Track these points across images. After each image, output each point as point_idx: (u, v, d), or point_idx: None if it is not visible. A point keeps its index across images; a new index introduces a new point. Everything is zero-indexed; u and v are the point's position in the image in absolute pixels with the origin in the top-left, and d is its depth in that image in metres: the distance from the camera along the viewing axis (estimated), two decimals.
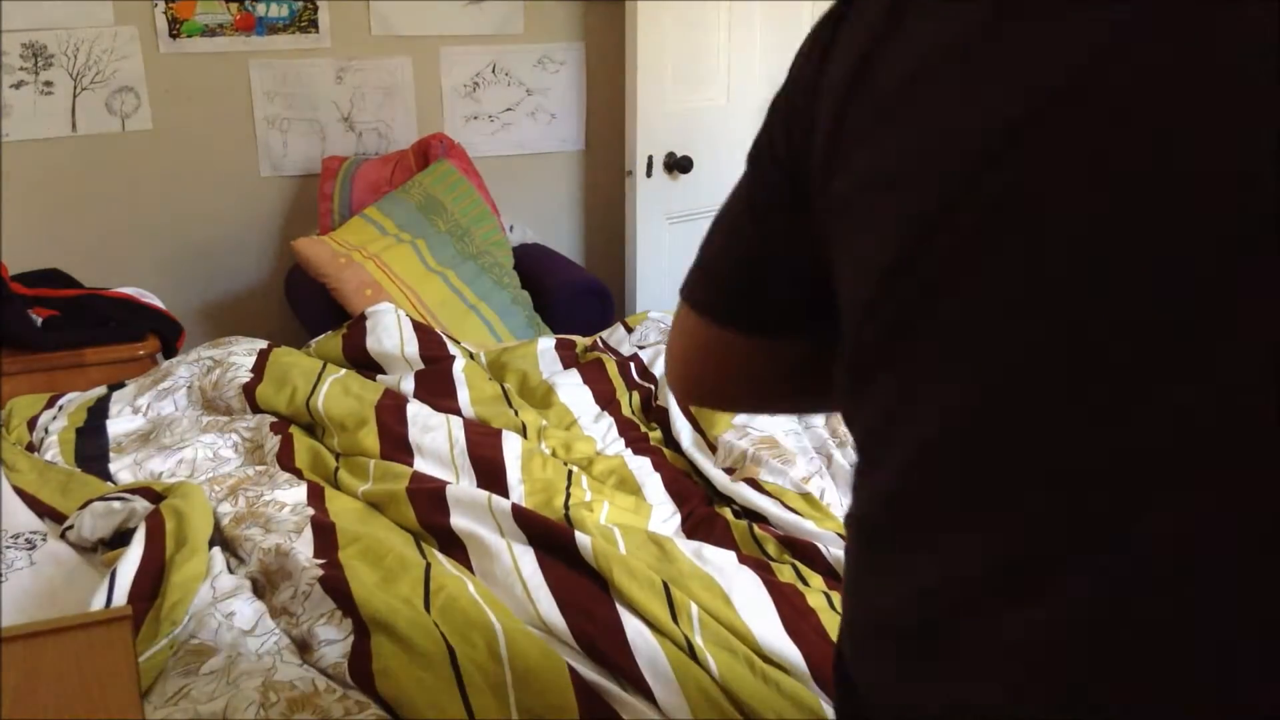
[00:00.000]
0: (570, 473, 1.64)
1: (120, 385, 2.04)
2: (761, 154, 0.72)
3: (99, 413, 1.90)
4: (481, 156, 3.46)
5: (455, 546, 1.43)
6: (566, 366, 2.11)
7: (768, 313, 0.73)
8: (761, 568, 1.38)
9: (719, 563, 1.37)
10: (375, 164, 3.22)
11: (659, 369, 2.09)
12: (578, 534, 1.37)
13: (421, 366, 2.00)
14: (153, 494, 1.50)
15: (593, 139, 3.70)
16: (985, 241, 0.51)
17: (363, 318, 2.14)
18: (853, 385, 0.62)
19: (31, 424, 1.88)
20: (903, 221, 0.55)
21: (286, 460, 1.69)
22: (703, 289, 0.77)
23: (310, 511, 1.49)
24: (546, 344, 2.21)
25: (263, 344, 2.09)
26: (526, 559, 1.36)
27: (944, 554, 0.55)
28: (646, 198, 3.27)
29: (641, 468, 1.72)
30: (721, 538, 1.51)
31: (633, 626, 1.24)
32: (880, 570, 0.61)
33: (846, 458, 1.74)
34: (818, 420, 1.88)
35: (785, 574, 1.39)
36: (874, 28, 0.60)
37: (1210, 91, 0.44)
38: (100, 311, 2.69)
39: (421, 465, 1.66)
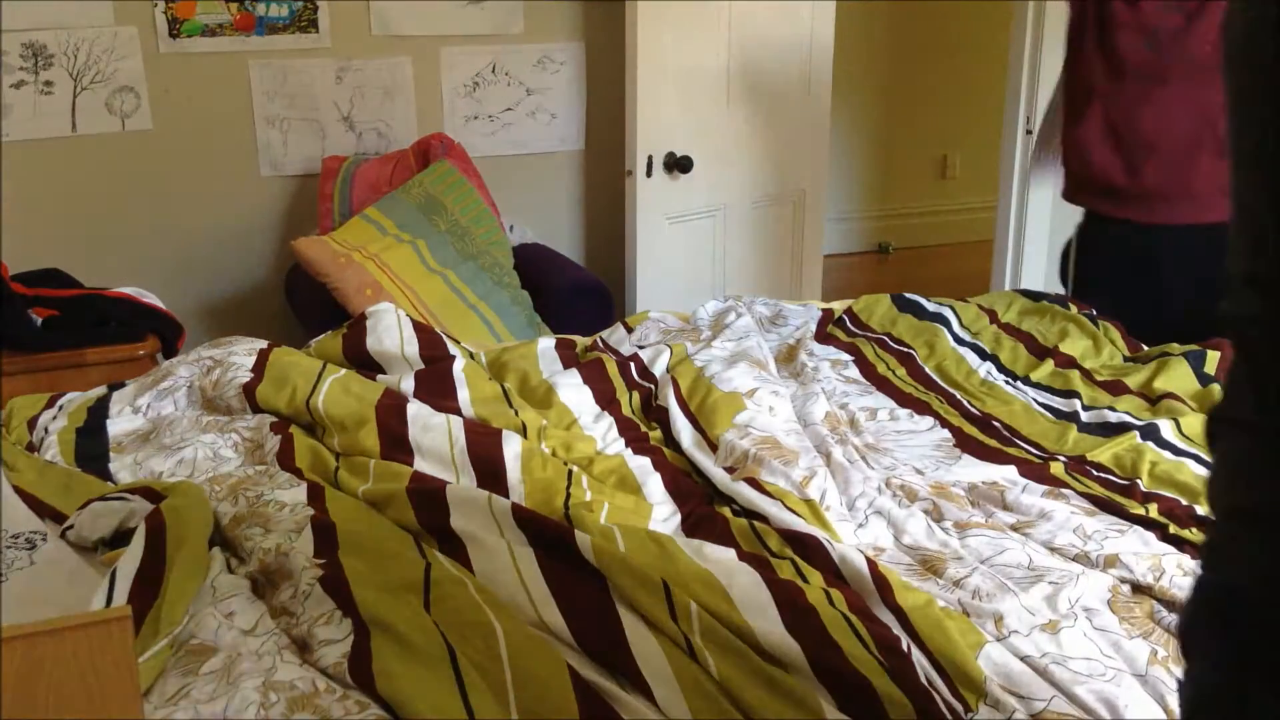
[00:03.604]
0: (570, 472, 1.64)
1: (120, 385, 2.04)
2: None
3: (99, 413, 1.90)
4: (481, 156, 3.46)
5: (455, 546, 1.43)
6: (566, 366, 2.10)
7: None
8: (762, 564, 1.38)
9: (719, 560, 1.37)
10: (375, 164, 3.23)
11: (659, 368, 2.09)
12: (577, 533, 1.37)
13: (421, 366, 2.00)
14: (153, 494, 1.50)
15: (593, 139, 3.70)
16: None
17: (363, 318, 2.14)
18: None
19: (31, 424, 1.88)
20: None
21: (286, 460, 1.69)
22: None
23: (310, 511, 1.49)
24: (546, 344, 2.21)
25: (263, 344, 2.09)
26: (526, 559, 1.36)
27: None
28: (646, 198, 3.27)
29: (641, 467, 1.72)
30: (722, 536, 1.51)
31: (632, 626, 1.24)
32: None
33: (846, 455, 1.74)
34: (817, 418, 1.88)
35: (785, 570, 1.39)
36: None
37: None
38: (100, 311, 2.69)
39: (421, 465, 1.66)
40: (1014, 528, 1.55)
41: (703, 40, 3.29)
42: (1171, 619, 1.33)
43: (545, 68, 3.57)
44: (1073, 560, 1.46)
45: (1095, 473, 1.72)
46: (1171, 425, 1.83)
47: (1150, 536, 1.50)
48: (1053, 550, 1.49)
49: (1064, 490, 1.65)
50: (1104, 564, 1.44)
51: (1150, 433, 1.81)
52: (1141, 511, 1.57)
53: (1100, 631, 1.31)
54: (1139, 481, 1.67)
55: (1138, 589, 1.40)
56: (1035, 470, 1.72)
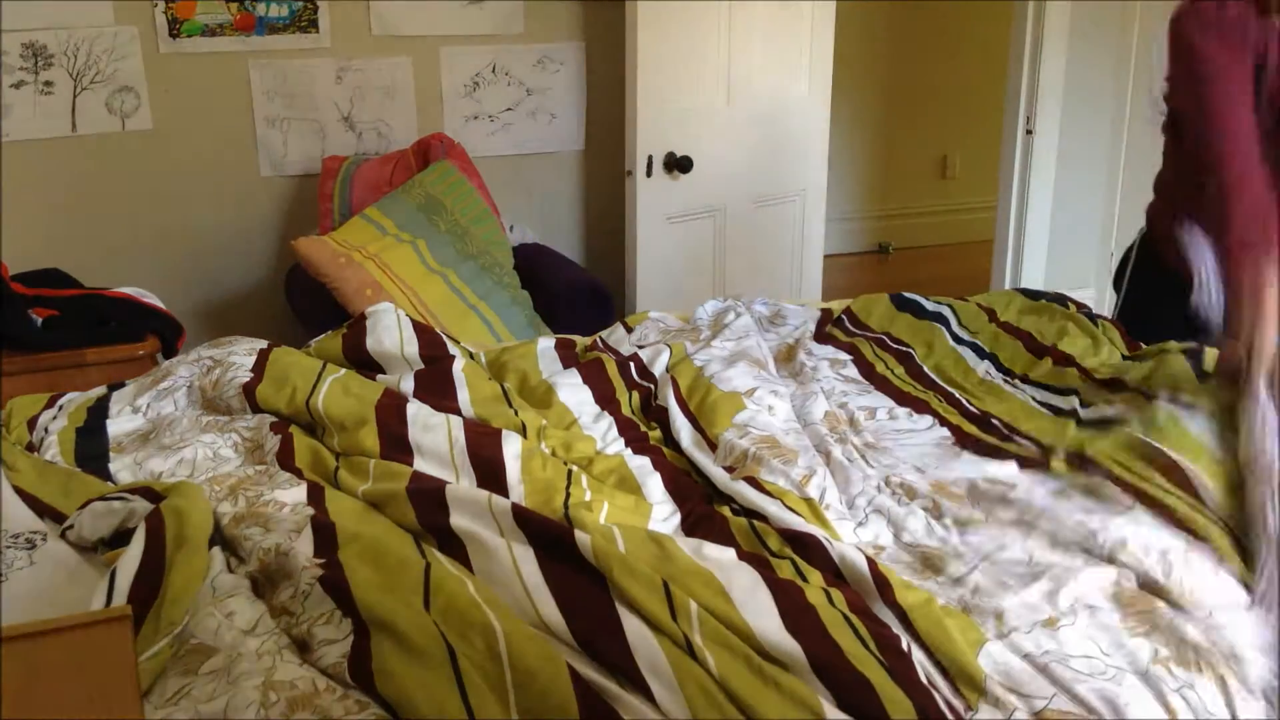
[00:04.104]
0: (570, 472, 1.64)
1: (120, 385, 2.04)
2: None
3: (99, 413, 1.90)
4: (481, 156, 3.46)
5: (455, 546, 1.43)
6: (566, 366, 2.11)
7: None
8: (761, 564, 1.38)
9: (718, 559, 1.37)
10: (375, 164, 3.23)
11: (659, 368, 2.09)
12: (577, 533, 1.37)
13: (421, 366, 2.00)
14: (153, 494, 1.50)
15: (593, 139, 3.70)
16: None
17: (363, 317, 2.14)
18: None
19: (31, 424, 1.88)
20: None
21: (286, 460, 1.69)
22: None
23: (310, 511, 1.49)
24: (546, 344, 2.21)
25: (263, 344, 2.09)
26: (526, 558, 1.36)
27: None
28: (646, 198, 3.28)
29: (641, 467, 1.72)
30: (721, 536, 1.51)
31: (632, 625, 1.24)
32: None
33: (845, 454, 1.75)
34: (816, 417, 1.88)
35: (785, 569, 1.39)
36: None
37: None
38: (100, 311, 2.70)
39: (421, 465, 1.66)
40: (1014, 523, 1.55)
41: (703, 40, 3.29)
42: (1173, 616, 1.33)
43: (545, 68, 3.57)
44: (1074, 556, 1.46)
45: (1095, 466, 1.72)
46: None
47: (1152, 532, 1.50)
48: (1054, 546, 1.49)
49: (1065, 487, 1.65)
50: (1105, 560, 1.44)
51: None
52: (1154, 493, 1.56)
53: (1101, 629, 1.31)
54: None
55: (1140, 586, 1.40)
56: (1035, 465, 1.72)
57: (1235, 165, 1.92)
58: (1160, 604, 1.37)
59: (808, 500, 1.59)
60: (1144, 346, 2.25)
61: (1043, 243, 4.11)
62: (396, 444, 1.70)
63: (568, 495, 1.56)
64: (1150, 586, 1.40)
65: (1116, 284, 2.43)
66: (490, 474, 1.62)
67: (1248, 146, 1.93)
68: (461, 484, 1.60)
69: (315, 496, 1.56)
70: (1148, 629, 1.32)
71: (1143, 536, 1.47)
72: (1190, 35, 1.95)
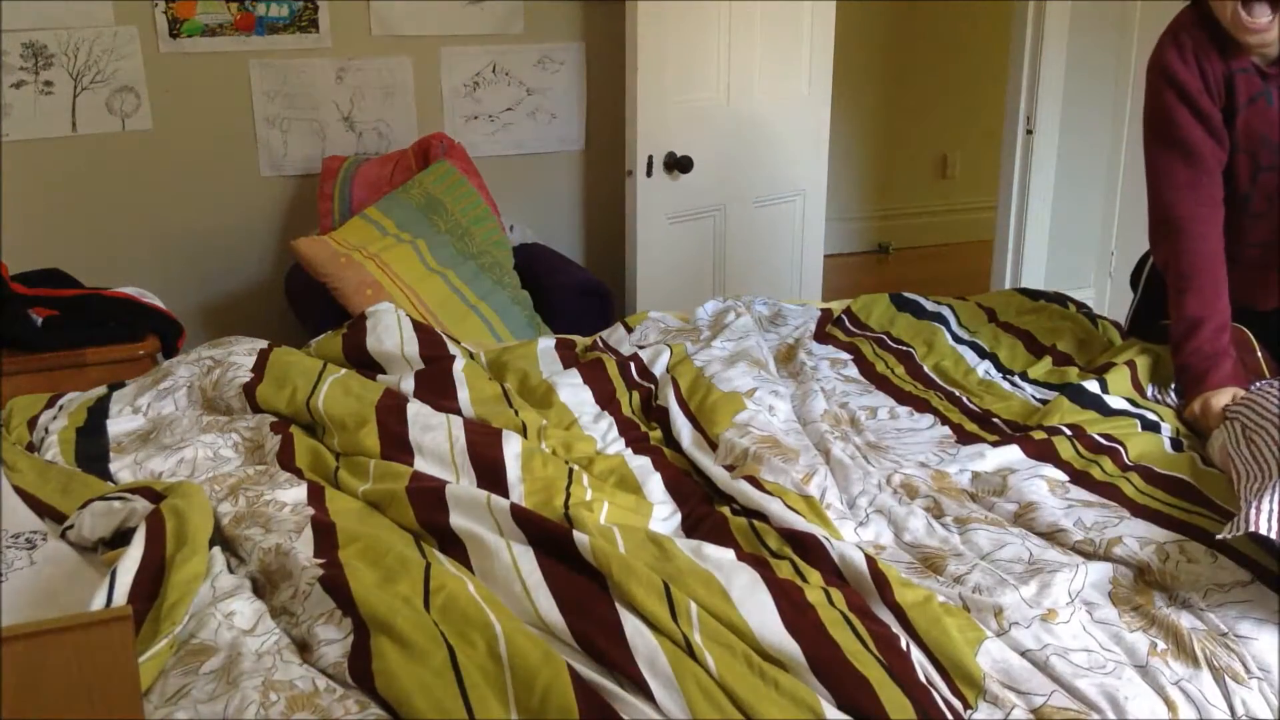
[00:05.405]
0: (571, 471, 1.64)
1: (120, 385, 2.04)
2: None
3: (99, 413, 1.90)
4: (481, 156, 3.46)
5: (455, 546, 1.43)
6: (566, 366, 2.11)
7: None
8: (760, 564, 1.38)
9: (718, 560, 1.37)
10: (375, 164, 3.23)
11: (659, 368, 2.09)
12: (576, 533, 1.37)
13: (421, 366, 2.00)
14: (153, 494, 1.50)
15: (593, 139, 3.70)
16: None
17: (363, 317, 2.14)
18: None
19: (31, 424, 1.88)
20: None
21: (286, 460, 1.69)
22: None
23: (310, 511, 1.49)
24: (546, 344, 2.21)
25: (263, 344, 2.09)
26: (525, 558, 1.37)
27: None
28: (646, 198, 3.27)
29: (642, 467, 1.72)
30: (722, 536, 1.51)
31: (632, 625, 1.24)
32: None
33: (846, 453, 1.75)
34: (816, 414, 1.88)
35: (784, 569, 1.39)
36: None
37: None
38: (100, 311, 2.69)
39: (421, 465, 1.66)
40: (1015, 516, 1.56)
41: (703, 40, 3.29)
42: (1171, 611, 1.33)
43: (545, 68, 3.57)
44: (1073, 550, 1.47)
45: (1102, 441, 1.73)
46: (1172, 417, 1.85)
47: (1152, 525, 1.51)
48: (1053, 541, 1.49)
49: (1066, 482, 1.65)
50: (1104, 554, 1.44)
51: (1150, 424, 1.82)
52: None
53: (1100, 624, 1.31)
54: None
55: (1138, 579, 1.40)
56: (1038, 447, 1.73)
57: (1182, 247, 1.96)
58: (1159, 597, 1.37)
59: (808, 499, 1.59)
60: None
61: (1043, 243, 4.10)
62: (397, 444, 1.70)
63: (568, 495, 1.56)
64: (1145, 581, 1.40)
65: (1134, 282, 2.42)
66: (490, 474, 1.62)
67: (1188, 223, 1.96)
68: (461, 484, 1.60)
69: (315, 496, 1.56)
70: (1146, 623, 1.32)
71: (1133, 535, 1.47)
72: (1156, 96, 1.98)
